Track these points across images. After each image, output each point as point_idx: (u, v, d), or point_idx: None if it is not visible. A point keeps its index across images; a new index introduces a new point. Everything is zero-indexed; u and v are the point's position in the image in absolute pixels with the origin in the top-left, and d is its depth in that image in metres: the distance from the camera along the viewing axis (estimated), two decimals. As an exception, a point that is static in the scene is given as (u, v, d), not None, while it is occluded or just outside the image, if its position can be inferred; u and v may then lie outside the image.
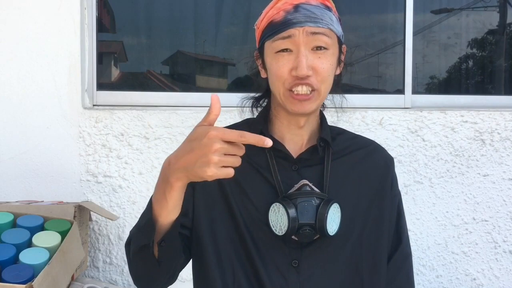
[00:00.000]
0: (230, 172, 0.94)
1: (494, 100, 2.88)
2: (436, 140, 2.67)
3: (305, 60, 1.09)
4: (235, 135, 0.93)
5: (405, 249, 1.25)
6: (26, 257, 1.88)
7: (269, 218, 1.13)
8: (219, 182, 1.17)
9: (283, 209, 1.10)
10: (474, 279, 2.71)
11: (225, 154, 0.93)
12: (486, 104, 2.83)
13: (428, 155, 2.67)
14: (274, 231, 1.12)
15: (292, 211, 1.09)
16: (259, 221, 1.16)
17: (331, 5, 1.17)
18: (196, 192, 1.20)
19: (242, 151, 0.95)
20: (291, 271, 1.15)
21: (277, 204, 1.12)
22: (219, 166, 0.93)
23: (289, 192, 1.14)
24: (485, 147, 2.70)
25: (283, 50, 1.12)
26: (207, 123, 0.96)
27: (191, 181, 1.00)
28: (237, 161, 0.95)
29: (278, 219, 1.11)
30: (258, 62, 1.23)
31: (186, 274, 1.29)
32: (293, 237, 1.12)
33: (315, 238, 1.13)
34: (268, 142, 0.92)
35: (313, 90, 1.12)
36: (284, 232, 1.10)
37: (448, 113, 2.68)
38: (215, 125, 0.97)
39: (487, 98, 2.91)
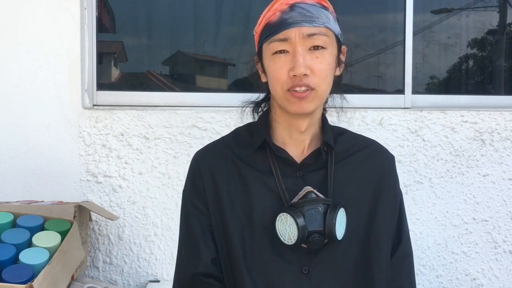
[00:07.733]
0: None
1: (494, 100, 2.88)
2: (436, 140, 2.67)
3: (302, 59, 1.09)
4: None
5: (406, 248, 1.25)
6: (26, 257, 1.88)
7: (277, 228, 1.12)
8: (224, 193, 1.19)
9: (291, 219, 1.09)
10: (474, 279, 2.71)
11: None
12: (486, 104, 2.83)
13: (428, 155, 2.66)
14: (283, 240, 1.11)
15: (300, 220, 1.09)
16: (266, 230, 1.15)
17: (328, 5, 1.16)
18: (211, 210, 1.20)
19: None
20: (302, 278, 1.14)
21: (284, 214, 1.11)
22: None
23: (295, 200, 1.13)
24: (485, 147, 2.70)
25: (280, 52, 1.11)
26: None
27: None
28: None
29: (287, 228, 1.10)
30: (258, 67, 1.22)
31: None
32: (302, 245, 1.11)
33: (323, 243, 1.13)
34: None
35: (311, 89, 1.11)
36: (294, 242, 1.10)
37: (448, 113, 2.68)
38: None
39: (487, 98, 2.91)
